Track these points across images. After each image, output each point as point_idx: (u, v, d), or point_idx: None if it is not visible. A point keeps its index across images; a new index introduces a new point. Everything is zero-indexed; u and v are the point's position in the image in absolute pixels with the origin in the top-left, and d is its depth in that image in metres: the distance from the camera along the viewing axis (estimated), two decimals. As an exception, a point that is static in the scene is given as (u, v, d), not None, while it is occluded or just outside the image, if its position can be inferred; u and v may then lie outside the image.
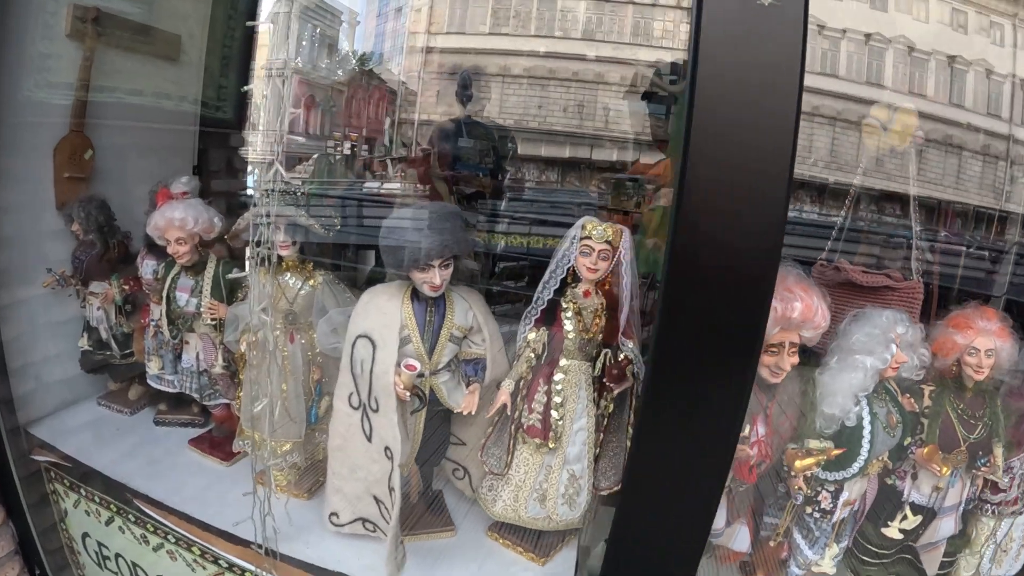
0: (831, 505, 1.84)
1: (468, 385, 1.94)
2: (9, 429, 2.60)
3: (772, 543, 2.01)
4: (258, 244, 1.77)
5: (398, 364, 1.79)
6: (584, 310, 1.94)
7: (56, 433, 2.66)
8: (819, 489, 1.84)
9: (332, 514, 2.05)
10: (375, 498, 1.97)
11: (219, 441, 2.49)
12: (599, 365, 1.96)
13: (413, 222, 1.77)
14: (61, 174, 2.66)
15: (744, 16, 1.21)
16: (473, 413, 1.88)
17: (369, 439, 1.90)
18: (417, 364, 1.80)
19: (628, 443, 2.03)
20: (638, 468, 1.61)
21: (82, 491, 2.53)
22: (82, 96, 2.66)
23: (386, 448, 1.87)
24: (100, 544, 2.57)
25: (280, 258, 2.07)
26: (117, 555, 2.53)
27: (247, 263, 1.83)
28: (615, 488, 2.07)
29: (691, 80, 1.23)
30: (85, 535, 2.62)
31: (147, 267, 2.50)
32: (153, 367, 2.53)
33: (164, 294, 2.33)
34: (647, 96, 3.13)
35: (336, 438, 1.97)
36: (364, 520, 2.03)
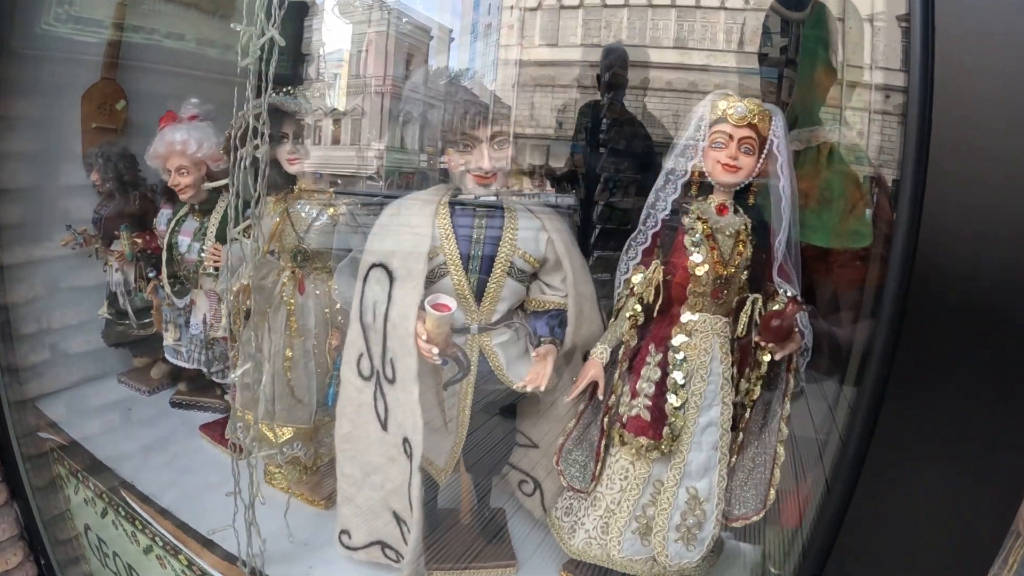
0: None
1: (538, 349, 1.07)
2: (15, 402, 1.95)
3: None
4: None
5: (422, 304, 0.95)
6: (719, 233, 1.04)
7: (67, 411, 1.98)
8: None
9: (343, 532, 1.21)
10: (394, 514, 1.10)
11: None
12: (744, 319, 1.03)
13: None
14: (89, 124, 2.04)
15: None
16: (542, 391, 1.00)
17: (384, 425, 1.05)
18: (451, 303, 0.94)
19: (779, 448, 1.08)
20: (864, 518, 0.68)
21: (79, 476, 1.83)
22: (115, 37, 2.05)
23: (404, 440, 1.01)
24: (100, 539, 1.85)
25: (289, 180, 1.30)
26: (115, 554, 1.80)
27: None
28: (754, 518, 1.12)
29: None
30: (87, 527, 1.90)
31: (162, 216, 1.80)
32: (169, 337, 1.82)
33: (166, 240, 1.62)
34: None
35: (344, 423, 1.12)
36: (383, 545, 1.17)
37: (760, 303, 1.02)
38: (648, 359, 1.07)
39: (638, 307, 1.06)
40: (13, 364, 1.93)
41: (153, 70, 2.18)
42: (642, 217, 1.06)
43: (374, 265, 1.01)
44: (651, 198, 1.05)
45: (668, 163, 1.04)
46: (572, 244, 1.06)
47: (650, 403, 1.05)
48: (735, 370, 1.07)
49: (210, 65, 2.33)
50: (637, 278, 1.06)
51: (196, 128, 1.53)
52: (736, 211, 1.06)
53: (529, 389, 1.00)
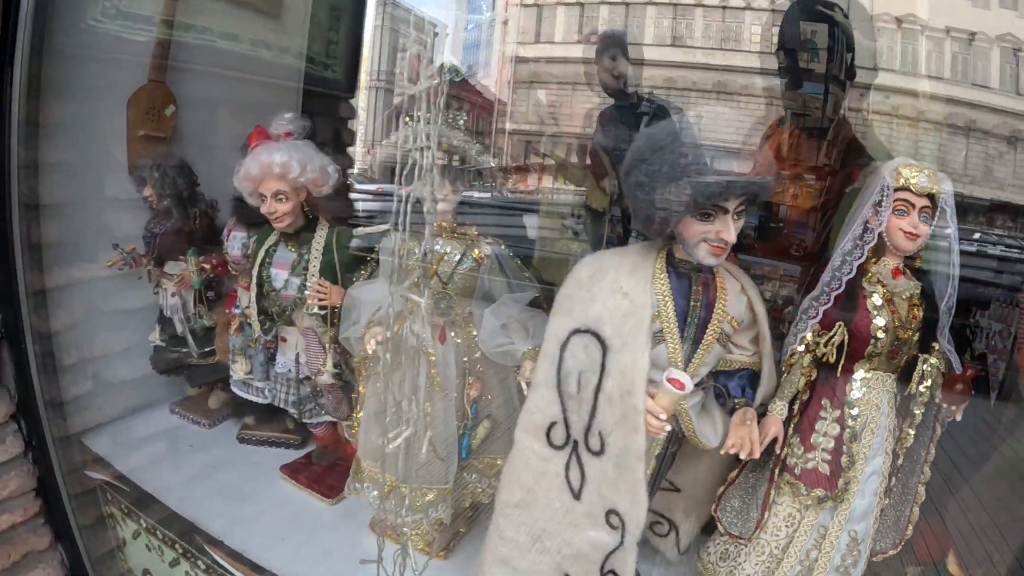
0: None
1: (728, 409, 1.01)
2: (59, 438, 1.67)
3: None
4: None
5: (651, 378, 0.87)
6: (896, 297, 1.02)
7: (116, 446, 1.72)
8: None
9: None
10: (570, 578, 1.03)
11: (320, 471, 1.54)
12: (918, 377, 1.02)
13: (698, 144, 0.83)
14: (135, 131, 1.75)
15: None
16: (757, 456, 0.95)
17: (577, 495, 0.96)
18: (685, 379, 0.87)
19: (920, 489, 1.10)
20: None
21: (142, 522, 1.59)
22: (164, 36, 1.76)
23: (611, 512, 0.93)
24: (167, 587, 1.62)
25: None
26: (188, 604, 1.58)
27: (397, 217, 0.91)
28: (892, 552, 1.13)
29: None
30: (146, 572, 1.68)
31: (235, 241, 1.56)
32: (239, 370, 1.58)
33: (255, 272, 1.39)
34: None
35: (515, 489, 1.02)
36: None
37: (931, 362, 1.02)
38: (823, 414, 1.05)
39: (811, 367, 1.03)
40: (56, 398, 1.65)
41: (203, 72, 1.90)
42: (825, 279, 1.02)
43: (577, 331, 0.91)
44: (836, 260, 1.01)
45: (854, 228, 1.01)
46: (762, 302, 1.01)
47: (829, 457, 1.03)
48: (898, 421, 1.07)
49: (265, 69, 2.08)
50: (816, 336, 1.03)
51: (297, 148, 1.29)
52: (906, 274, 1.04)
53: (732, 452, 0.95)
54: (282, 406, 1.49)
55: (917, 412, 1.05)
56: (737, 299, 0.96)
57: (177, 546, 1.50)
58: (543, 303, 1.19)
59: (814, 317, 1.03)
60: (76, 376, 1.71)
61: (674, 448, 1.00)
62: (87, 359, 1.74)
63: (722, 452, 0.96)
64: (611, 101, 1.65)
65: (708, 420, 1.02)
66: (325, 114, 2.25)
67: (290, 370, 1.43)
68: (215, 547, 1.37)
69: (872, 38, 1.67)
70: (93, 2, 1.60)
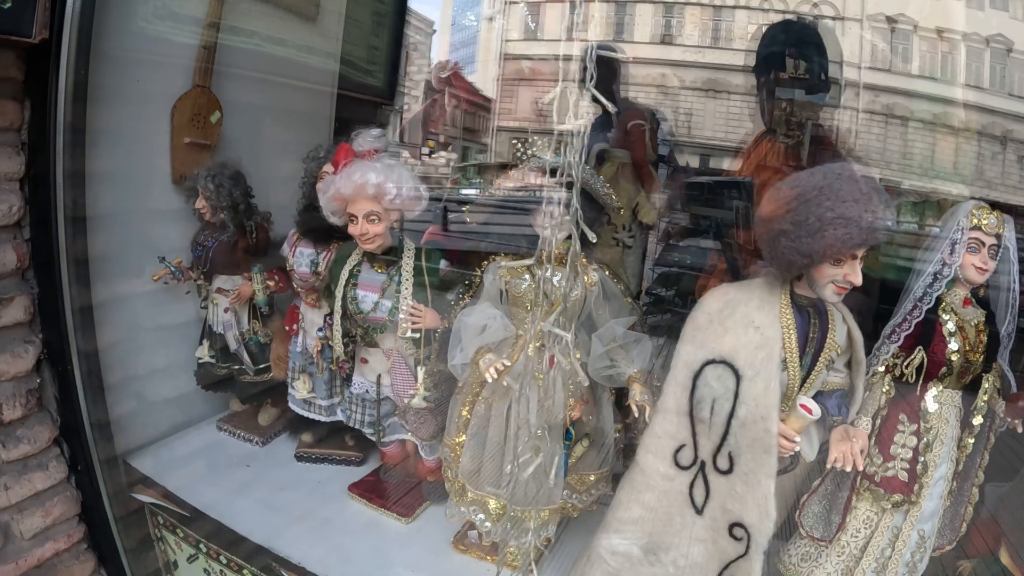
0: None
1: (827, 427, 1.11)
2: (104, 459, 1.60)
3: None
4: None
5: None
6: (966, 324, 1.16)
7: (165, 466, 1.66)
8: None
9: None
10: (680, 587, 1.11)
11: (390, 489, 1.53)
12: (983, 395, 1.17)
13: (847, 193, 0.91)
14: (180, 139, 1.68)
15: None
16: (861, 468, 1.06)
17: (699, 511, 1.04)
18: (813, 405, 0.96)
19: (974, 491, 1.26)
20: None
21: (202, 546, 1.55)
22: (210, 39, 1.68)
23: (735, 525, 1.01)
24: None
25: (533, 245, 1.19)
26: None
27: (544, 246, 0.95)
28: (948, 548, 1.29)
29: None
30: (207, 597, 1.63)
31: (302, 257, 1.52)
32: (301, 389, 1.56)
33: (339, 294, 1.36)
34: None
35: (633, 507, 1.09)
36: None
37: (992, 380, 1.17)
38: (901, 428, 1.17)
39: (891, 387, 1.15)
40: (102, 419, 1.58)
41: (241, 77, 1.83)
42: (907, 308, 1.14)
43: (711, 362, 0.98)
44: (918, 292, 1.14)
45: (931, 264, 1.13)
46: (859, 331, 1.11)
47: (907, 466, 1.16)
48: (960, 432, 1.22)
49: (304, 73, 2.02)
50: (894, 358, 1.15)
51: (392, 169, 1.27)
52: (974, 304, 1.18)
53: (839, 466, 1.05)
54: (356, 426, 1.48)
55: (976, 423, 1.20)
56: (840, 329, 1.07)
57: (246, 571, 1.47)
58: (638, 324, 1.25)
59: (896, 342, 1.16)
60: (120, 395, 1.64)
61: (792, 467, 1.10)
62: (131, 377, 1.67)
63: (828, 466, 1.07)
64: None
65: (806, 437, 1.12)
66: (362, 119, 2.21)
67: (367, 391, 1.43)
68: (293, 572, 1.37)
69: (840, 57, 1.80)
70: (143, 3, 1.52)
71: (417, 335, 1.30)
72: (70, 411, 1.54)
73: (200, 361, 1.71)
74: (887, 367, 1.17)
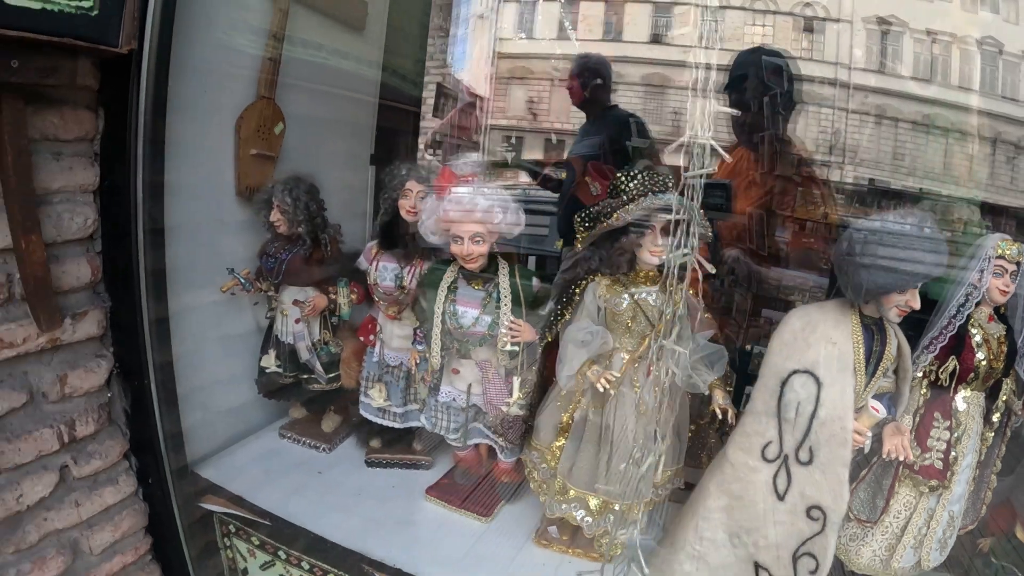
0: None
1: (879, 424, 1.35)
2: (175, 469, 1.68)
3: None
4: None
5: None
6: (991, 337, 1.43)
7: (232, 474, 1.76)
8: None
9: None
10: (757, 566, 1.33)
11: (467, 490, 1.67)
12: (1002, 396, 1.45)
13: (917, 239, 1.15)
14: (247, 150, 1.76)
15: None
16: (912, 459, 1.31)
17: (781, 497, 1.26)
18: (881, 407, 1.20)
19: (993, 478, 1.55)
20: None
21: (280, 553, 1.65)
22: (276, 52, 1.77)
23: (813, 508, 1.23)
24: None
25: (631, 265, 1.36)
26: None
27: (670, 272, 1.14)
28: (970, 527, 1.58)
29: None
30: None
31: (385, 271, 1.63)
32: (377, 398, 1.69)
33: (439, 310, 1.48)
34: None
35: (722, 497, 1.30)
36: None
37: (1012, 386, 1.45)
38: (936, 424, 1.43)
39: (928, 389, 1.42)
40: (172, 430, 1.66)
41: (295, 87, 1.92)
42: (942, 323, 1.40)
43: (797, 371, 1.20)
44: (952, 310, 1.39)
45: (962, 288, 1.39)
46: (907, 344, 1.36)
47: (942, 456, 1.42)
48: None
49: (352, 84, 2.12)
50: (929, 366, 1.41)
51: (497, 193, 1.41)
52: (995, 319, 1.45)
53: (892, 456, 1.29)
54: (442, 433, 1.62)
55: (995, 419, 1.48)
56: (893, 342, 1.31)
57: (331, 576, 1.59)
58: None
59: (933, 352, 1.42)
60: (188, 406, 1.71)
61: (858, 458, 1.34)
62: (197, 388, 1.74)
63: (883, 456, 1.31)
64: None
65: (864, 432, 1.37)
66: (405, 130, 2.33)
67: (454, 399, 1.57)
68: (385, 573, 1.49)
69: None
70: (219, 13, 1.60)
71: (516, 348, 1.45)
72: (142, 424, 1.62)
73: (267, 370, 1.80)
74: (924, 373, 1.43)
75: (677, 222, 1.16)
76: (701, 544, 1.35)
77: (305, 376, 1.80)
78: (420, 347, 1.56)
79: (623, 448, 1.33)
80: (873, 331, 1.26)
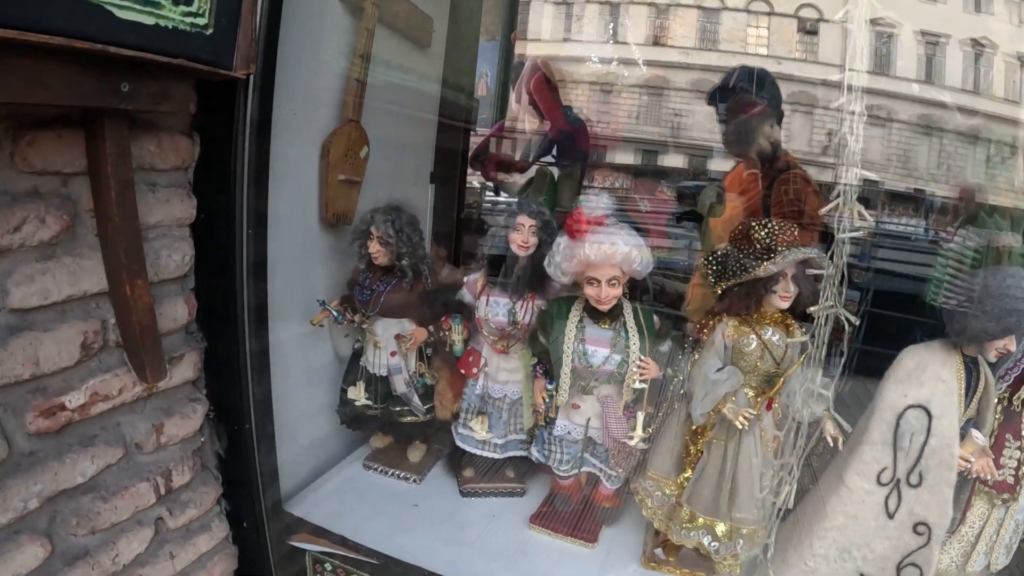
0: None
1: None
2: (270, 508, 1.74)
3: None
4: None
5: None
6: (1053, 359, 1.71)
7: (323, 511, 1.83)
8: None
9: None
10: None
11: (569, 517, 1.81)
12: (1061, 416, 1.74)
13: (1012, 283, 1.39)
14: (335, 175, 1.81)
15: None
16: (997, 477, 1.58)
17: (891, 515, 1.50)
18: (982, 436, 1.45)
19: None
20: None
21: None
22: (363, 73, 1.83)
23: (918, 524, 1.48)
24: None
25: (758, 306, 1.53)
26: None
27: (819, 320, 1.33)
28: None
29: None
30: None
31: (497, 306, 1.73)
32: (479, 430, 1.80)
33: (568, 348, 1.60)
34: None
35: (838, 517, 1.52)
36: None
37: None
38: (1007, 443, 1.70)
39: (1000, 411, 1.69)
40: (271, 468, 1.73)
41: (371, 108, 1.98)
42: (1016, 357, 1.67)
43: (911, 406, 1.44)
44: (1024, 348, 1.67)
45: None
46: (992, 376, 1.61)
47: (1014, 473, 1.70)
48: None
49: (417, 102, 2.20)
50: (1007, 394, 1.69)
51: (633, 236, 1.53)
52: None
53: (983, 475, 1.55)
54: (555, 465, 1.75)
55: (1050, 436, 1.78)
56: (983, 376, 1.57)
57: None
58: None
59: (1008, 381, 1.69)
60: (281, 442, 1.77)
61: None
62: (285, 424, 1.80)
63: (974, 475, 1.57)
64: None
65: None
66: (462, 148, 2.41)
67: (569, 432, 1.71)
68: None
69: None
70: (314, 34, 1.64)
71: (645, 385, 1.60)
72: (237, 465, 1.67)
73: (355, 403, 1.88)
74: (999, 399, 1.70)
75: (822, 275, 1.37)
76: (814, 560, 1.57)
77: (397, 408, 1.89)
78: (552, 386, 1.67)
79: (747, 477, 1.52)
80: (971, 368, 1.52)
